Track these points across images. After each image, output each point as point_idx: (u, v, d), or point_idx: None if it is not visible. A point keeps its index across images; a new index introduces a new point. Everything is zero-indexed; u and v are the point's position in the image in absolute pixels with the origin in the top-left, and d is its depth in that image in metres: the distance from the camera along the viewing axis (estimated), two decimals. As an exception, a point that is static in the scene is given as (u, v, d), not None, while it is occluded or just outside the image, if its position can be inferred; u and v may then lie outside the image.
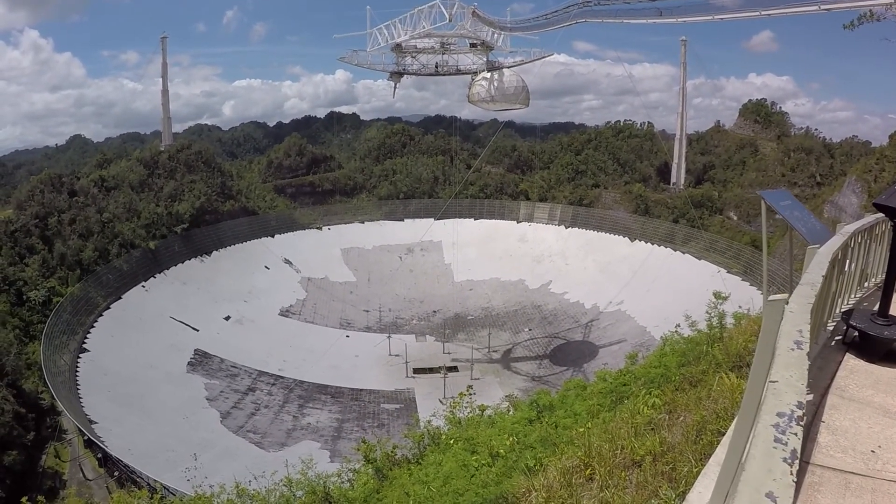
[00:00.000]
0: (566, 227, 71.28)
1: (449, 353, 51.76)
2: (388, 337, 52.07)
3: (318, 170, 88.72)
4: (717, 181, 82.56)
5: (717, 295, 15.04)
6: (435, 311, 61.68)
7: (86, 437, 35.12)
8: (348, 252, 69.90)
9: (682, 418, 7.91)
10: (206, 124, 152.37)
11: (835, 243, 6.62)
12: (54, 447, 37.66)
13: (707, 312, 14.00)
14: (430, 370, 48.11)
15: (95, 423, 34.50)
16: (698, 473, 5.48)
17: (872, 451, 4.51)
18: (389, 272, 67.37)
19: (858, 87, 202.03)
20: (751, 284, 48.39)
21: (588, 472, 6.89)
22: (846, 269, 7.43)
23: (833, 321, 7.09)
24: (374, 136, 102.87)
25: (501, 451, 10.14)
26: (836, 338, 6.91)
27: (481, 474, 9.11)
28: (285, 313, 57.66)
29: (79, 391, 37.71)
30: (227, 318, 53.10)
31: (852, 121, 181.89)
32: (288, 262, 65.26)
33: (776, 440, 1.86)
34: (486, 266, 66.71)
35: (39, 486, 34.29)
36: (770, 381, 2.48)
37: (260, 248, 65.56)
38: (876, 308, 6.68)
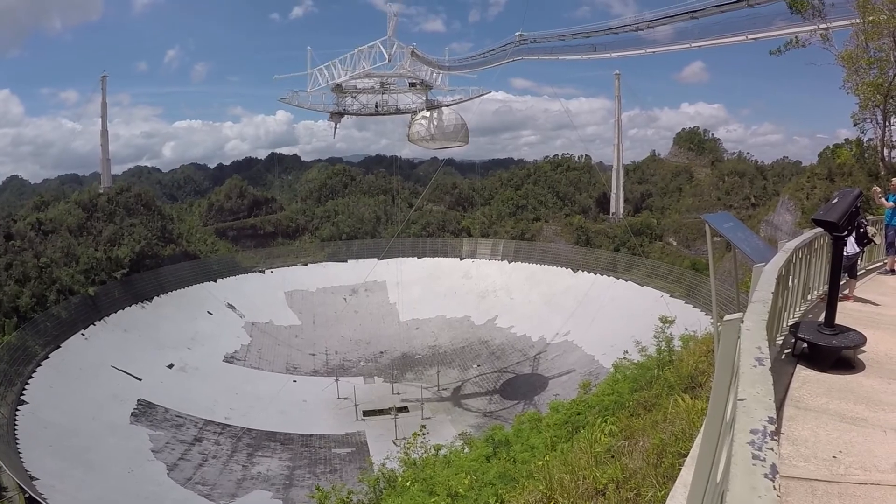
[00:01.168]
0: (509, 262, 71.77)
1: (398, 393, 51.19)
2: (336, 380, 51.18)
3: (259, 212, 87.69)
4: (655, 209, 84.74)
5: (663, 319, 15.31)
6: (382, 352, 61.07)
7: (27, 495, 33.32)
8: (292, 295, 68.84)
9: (640, 443, 7.94)
10: (145, 166, 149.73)
11: (779, 260, 6.81)
12: None
13: (655, 337, 14.21)
14: (381, 412, 47.43)
15: (37, 479, 32.77)
16: (664, 497, 5.49)
17: (834, 457, 4.61)
18: (334, 314, 66.61)
19: (787, 110, 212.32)
20: (694, 307, 49.42)
21: (551, 504, 6.83)
22: (790, 284, 7.65)
23: (781, 335, 7.27)
24: (315, 178, 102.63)
25: (460, 490, 9.99)
26: (786, 351, 7.09)
27: (442, 515, 8.94)
28: (230, 359, 56.21)
29: (18, 446, 35.73)
30: (171, 365, 51.43)
31: (782, 143, 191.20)
32: (231, 306, 63.87)
33: (754, 457, 1.85)
34: (431, 304, 66.45)
35: (-20, 548, 32.43)
36: (738, 400, 2.48)
37: (202, 293, 63.97)
38: (821, 319, 6.90)
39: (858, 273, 11.03)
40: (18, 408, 39.29)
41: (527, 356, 56.58)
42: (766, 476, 1.72)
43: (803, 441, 4.92)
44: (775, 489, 1.63)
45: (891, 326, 8.67)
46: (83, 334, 50.34)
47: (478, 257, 74.20)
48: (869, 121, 35.56)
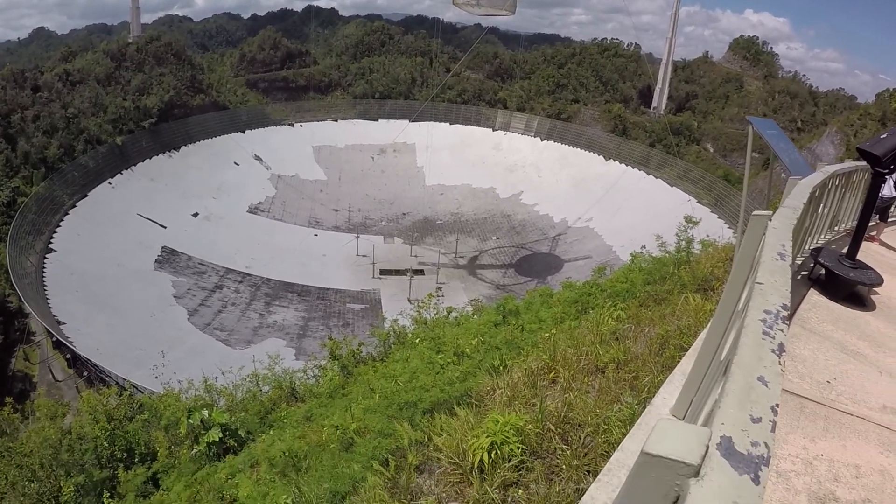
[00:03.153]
0: (542, 140, 70.87)
1: (416, 256, 52.15)
2: (357, 237, 52.07)
3: (292, 65, 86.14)
4: (697, 111, 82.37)
5: (688, 219, 15.20)
6: (404, 214, 61.71)
7: (54, 339, 35.06)
8: (320, 150, 68.88)
9: (646, 331, 8.09)
10: (176, 15, 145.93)
11: (815, 178, 6.67)
12: (23, 350, 37.58)
13: (676, 235, 14.17)
14: (397, 272, 48.51)
15: (63, 323, 34.60)
16: (660, 384, 5.66)
17: (828, 382, 4.72)
18: (361, 172, 66.87)
19: (854, 42, 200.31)
20: (719, 217, 49.20)
21: (552, 375, 7.04)
22: (820, 210, 7.53)
23: (802, 256, 7.22)
24: (353, 33, 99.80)
25: (467, 350, 10.31)
26: (803, 273, 7.07)
27: (447, 372, 9.27)
28: (254, 210, 57.19)
29: (46, 292, 37.52)
30: (195, 214, 52.56)
31: (842, 73, 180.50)
32: (258, 158, 64.17)
33: (764, 333, 1.88)
34: (458, 172, 66.49)
35: (9, 389, 34.22)
36: (756, 283, 2.50)
37: (230, 144, 64.23)
38: (844, 251, 6.84)
39: (890, 219, 10.78)
40: (46, 256, 40.97)
41: (546, 236, 56.99)
42: (773, 351, 1.75)
43: (802, 360, 5.01)
44: (780, 364, 1.67)
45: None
46: (110, 183, 51.49)
47: (511, 130, 73.31)
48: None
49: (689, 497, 0.87)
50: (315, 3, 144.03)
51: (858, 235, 6.86)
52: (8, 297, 38.95)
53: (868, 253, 8.20)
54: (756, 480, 0.92)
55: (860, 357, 5.33)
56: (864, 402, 4.59)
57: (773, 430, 1.24)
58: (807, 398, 4.48)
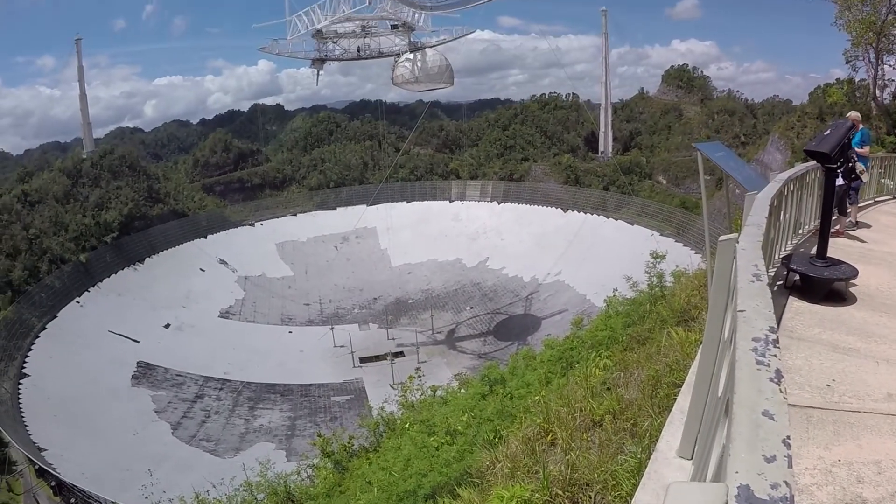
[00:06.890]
0: (499, 203, 71.63)
1: (393, 338, 51.49)
2: (331, 329, 51.44)
3: (245, 165, 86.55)
4: (644, 147, 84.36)
5: (654, 255, 15.30)
6: (375, 299, 61.32)
7: (37, 467, 33.76)
8: (283, 246, 68.65)
9: (636, 375, 7.96)
10: (127, 127, 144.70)
11: (771, 189, 6.75)
12: (6, 481, 36.12)
13: (646, 272, 14.22)
14: (377, 358, 47.82)
15: (45, 450, 33.31)
16: (660, 426, 5.52)
17: (828, 385, 4.65)
18: (326, 263, 66.60)
19: (780, 49, 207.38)
20: (684, 245, 49.54)
21: (549, 437, 6.87)
22: (781, 217, 7.63)
23: (773, 267, 7.25)
24: (300, 126, 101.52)
25: (459, 427, 10.06)
26: (778, 283, 7.08)
27: (442, 453, 9.01)
28: (225, 315, 56.34)
29: (24, 419, 36.25)
30: (167, 325, 51.59)
31: (774, 81, 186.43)
32: (223, 262, 63.68)
33: (758, 363, 1.80)
34: (422, 248, 66.48)
35: (-5, 525, 32.94)
36: (738, 311, 2.42)
37: (193, 251, 63.65)
38: (813, 252, 6.89)
39: (848, 210, 10.99)
40: (21, 381, 39.69)
41: (519, 297, 56.97)
42: (771, 380, 1.66)
43: (797, 370, 4.96)
44: (781, 392, 1.57)
45: (881, 261, 8.73)
46: (78, 302, 50.45)
47: (467, 199, 74.01)
48: (861, 59, 35.20)
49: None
50: (261, 101, 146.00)
51: (824, 233, 6.94)
52: (-15, 428, 37.51)
53: (836, 247, 8.30)
54: (785, 523, 0.92)
55: (853, 352, 5.32)
56: (868, 396, 4.56)
57: (790, 466, 1.12)
58: (811, 407, 4.44)
